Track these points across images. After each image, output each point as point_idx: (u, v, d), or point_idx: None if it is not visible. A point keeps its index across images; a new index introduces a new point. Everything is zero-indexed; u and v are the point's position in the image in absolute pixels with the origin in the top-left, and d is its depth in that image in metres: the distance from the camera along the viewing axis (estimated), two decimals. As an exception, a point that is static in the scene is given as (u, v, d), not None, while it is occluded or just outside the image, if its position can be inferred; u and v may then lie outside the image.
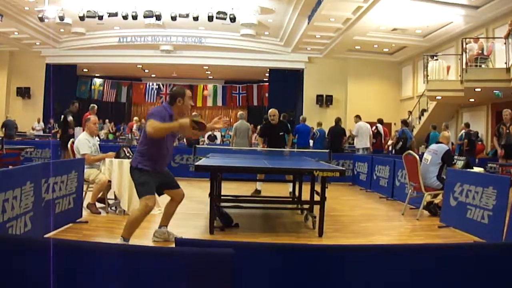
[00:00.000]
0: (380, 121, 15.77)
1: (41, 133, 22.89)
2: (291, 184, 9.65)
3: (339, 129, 15.35)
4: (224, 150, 12.14)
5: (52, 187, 5.64)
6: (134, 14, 19.40)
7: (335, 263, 2.46)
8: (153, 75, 31.84)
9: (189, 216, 7.68)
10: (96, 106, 14.25)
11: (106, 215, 7.45)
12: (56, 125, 12.33)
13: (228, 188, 9.37)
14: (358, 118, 15.64)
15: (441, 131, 15.07)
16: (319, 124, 16.69)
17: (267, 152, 10.43)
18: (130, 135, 19.53)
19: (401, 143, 15.43)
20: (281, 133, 10.76)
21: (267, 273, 2.41)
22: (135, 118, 22.73)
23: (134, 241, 5.75)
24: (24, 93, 25.04)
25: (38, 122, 23.82)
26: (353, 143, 19.66)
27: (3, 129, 19.38)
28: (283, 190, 10.13)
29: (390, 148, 18.44)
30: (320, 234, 6.38)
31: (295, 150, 12.03)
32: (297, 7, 18.53)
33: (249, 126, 12.49)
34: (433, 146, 8.49)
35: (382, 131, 15.63)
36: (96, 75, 30.99)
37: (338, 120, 15.40)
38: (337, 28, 19.78)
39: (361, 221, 7.99)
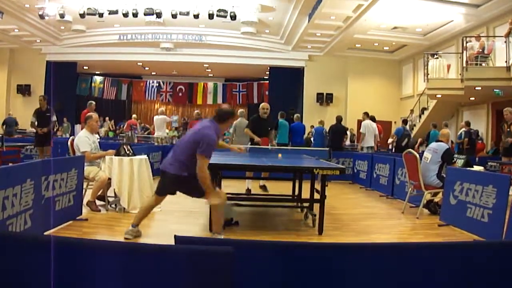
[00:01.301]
0: (373, 118, 15.69)
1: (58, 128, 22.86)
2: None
3: (340, 128, 15.33)
4: (224, 149, 12.11)
5: (52, 185, 5.64)
6: (134, 11, 19.39)
7: (334, 261, 2.46)
8: (153, 73, 31.84)
9: (189, 213, 7.69)
10: (94, 103, 14.23)
11: (106, 212, 7.44)
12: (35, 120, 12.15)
13: (228, 186, 9.37)
14: (366, 115, 15.53)
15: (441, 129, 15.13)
16: (321, 122, 16.69)
17: (265, 150, 10.41)
18: (130, 133, 19.53)
19: (406, 140, 15.44)
20: (269, 129, 10.73)
21: (267, 271, 2.41)
22: (134, 115, 22.71)
23: (134, 239, 5.76)
24: (24, 90, 25.03)
25: None
26: (353, 142, 19.71)
27: (3, 126, 19.40)
28: (283, 188, 10.13)
29: (390, 146, 18.47)
30: (320, 232, 6.39)
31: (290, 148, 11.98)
32: (298, 5, 18.52)
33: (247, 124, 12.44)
34: (433, 145, 8.49)
35: (376, 129, 15.57)
36: (97, 72, 31.00)
37: (339, 119, 15.37)
38: (338, 26, 19.76)
39: (361, 219, 7.99)
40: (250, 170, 8.51)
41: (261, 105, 10.89)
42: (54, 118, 12.10)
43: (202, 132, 5.37)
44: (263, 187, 10.36)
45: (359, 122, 17.50)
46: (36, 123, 12.04)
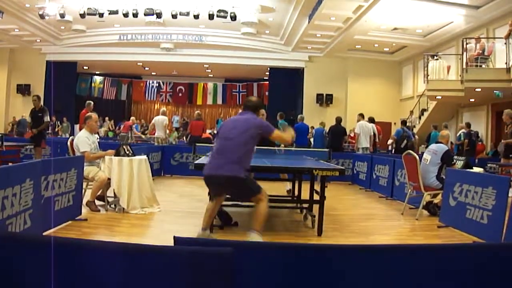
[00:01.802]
0: (372, 119, 15.71)
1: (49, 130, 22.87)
2: (288, 183, 9.72)
3: (339, 129, 15.33)
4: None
5: (52, 185, 5.64)
6: (134, 11, 19.40)
7: (334, 263, 2.46)
8: (153, 73, 31.86)
9: (189, 214, 7.69)
10: (92, 103, 14.24)
11: (106, 212, 7.44)
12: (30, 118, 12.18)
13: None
14: (361, 116, 15.56)
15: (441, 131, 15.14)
16: (322, 123, 16.69)
17: (265, 151, 10.42)
18: (129, 133, 19.54)
19: (405, 141, 15.43)
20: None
21: (267, 272, 2.41)
22: (132, 118, 22.71)
23: (134, 239, 5.76)
24: (24, 90, 25.03)
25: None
26: (345, 142, 19.69)
27: (16, 126, 19.60)
28: (282, 189, 10.14)
29: (390, 147, 18.46)
30: (319, 233, 6.39)
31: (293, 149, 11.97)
32: (298, 6, 18.51)
33: None
34: (433, 146, 8.48)
35: (375, 130, 15.58)
36: (96, 72, 31.01)
37: (339, 120, 15.37)
38: (338, 27, 19.75)
39: (360, 220, 7.99)
40: (250, 171, 8.50)
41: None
42: (47, 118, 12.00)
43: (254, 120, 5.39)
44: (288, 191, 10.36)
45: (358, 123, 17.51)
46: (31, 123, 12.17)
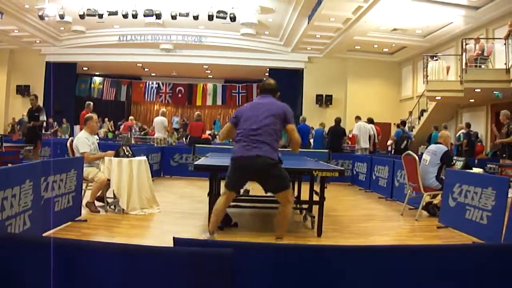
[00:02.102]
0: (371, 120, 15.74)
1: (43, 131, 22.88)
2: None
3: (339, 129, 15.34)
4: (223, 150, 12.15)
5: (51, 186, 5.64)
6: (134, 12, 19.40)
7: (333, 263, 2.46)
8: (153, 74, 31.85)
9: (188, 215, 7.69)
10: (92, 104, 14.25)
11: (105, 213, 7.44)
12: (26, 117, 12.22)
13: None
14: (358, 119, 15.63)
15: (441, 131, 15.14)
16: (322, 124, 16.70)
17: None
18: (128, 134, 19.54)
19: (405, 142, 15.45)
20: None
21: (266, 272, 2.41)
22: (131, 117, 22.70)
23: (133, 240, 5.76)
24: (24, 91, 25.03)
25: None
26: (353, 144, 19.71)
27: (18, 126, 19.62)
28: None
29: (389, 148, 18.47)
30: (319, 234, 6.39)
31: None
32: (297, 7, 18.52)
33: None
34: (432, 147, 8.48)
35: (374, 131, 15.60)
36: (96, 73, 30.99)
37: (338, 120, 15.39)
38: (337, 28, 19.77)
39: (360, 221, 7.99)
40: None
41: None
42: (42, 117, 12.06)
43: (279, 104, 5.30)
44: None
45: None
46: (28, 122, 12.29)
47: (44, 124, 19.29)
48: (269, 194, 8.94)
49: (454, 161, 8.45)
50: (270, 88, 5.58)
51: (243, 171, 5.13)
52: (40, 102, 24.21)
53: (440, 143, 8.41)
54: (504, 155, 11.78)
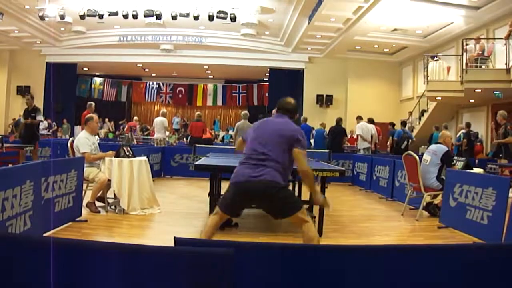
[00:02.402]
0: (371, 120, 15.75)
1: (45, 132, 22.87)
2: None
3: (339, 129, 15.33)
4: (224, 150, 12.16)
5: (52, 186, 5.64)
6: (134, 13, 19.39)
7: (334, 263, 2.46)
8: (153, 74, 31.87)
9: (189, 215, 7.69)
10: (93, 104, 14.24)
11: (106, 214, 7.44)
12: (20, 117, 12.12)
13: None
14: (359, 119, 15.63)
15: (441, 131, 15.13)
16: (322, 124, 16.70)
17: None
18: (129, 134, 19.52)
19: (406, 142, 15.45)
20: None
21: (267, 272, 2.41)
22: (135, 118, 22.70)
23: (134, 240, 5.76)
24: (24, 91, 24.94)
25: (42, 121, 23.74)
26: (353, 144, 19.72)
27: (15, 127, 19.58)
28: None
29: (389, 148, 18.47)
30: (320, 234, 6.38)
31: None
32: (298, 7, 18.52)
33: (250, 126, 12.41)
34: (432, 147, 8.48)
35: (375, 131, 15.61)
36: (96, 74, 31.01)
37: (339, 120, 15.39)
38: (338, 28, 19.77)
39: (361, 221, 7.99)
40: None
41: (272, 112, 10.97)
42: (39, 117, 12.02)
43: (292, 127, 4.57)
44: None
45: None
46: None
47: (42, 125, 19.27)
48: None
49: (454, 161, 8.44)
50: (288, 108, 4.85)
51: (242, 196, 4.46)
52: (41, 103, 24.49)
53: (440, 143, 8.41)
54: (500, 155, 11.85)
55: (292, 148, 4.44)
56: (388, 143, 18.64)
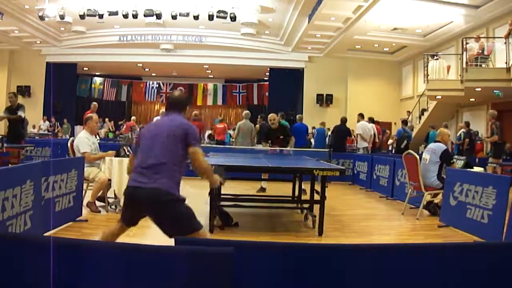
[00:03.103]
0: (371, 119, 15.74)
1: (46, 132, 22.88)
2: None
3: (343, 129, 15.28)
4: (224, 149, 12.15)
5: (52, 186, 5.64)
6: (134, 12, 19.39)
7: (334, 262, 2.46)
8: (153, 74, 31.86)
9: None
10: (96, 104, 14.23)
11: (106, 213, 7.45)
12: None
13: (228, 187, 9.36)
14: (360, 117, 15.56)
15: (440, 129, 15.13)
16: (322, 123, 16.67)
17: (266, 152, 10.49)
18: (130, 134, 19.50)
19: (405, 141, 15.44)
20: (280, 136, 10.80)
21: (267, 272, 2.41)
22: (133, 117, 22.67)
23: (134, 239, 5.75)
24: (24, 91, 24.98)
25: (44, 121, 23.74)
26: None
27: None
28: (283, 189, 10.14)
29: (390, 147, 18.45)
30: (320, 233, 6.39)
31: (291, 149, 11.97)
32: (298, 6, 18.51)
33: (253, 126, 12.41)
34: (431, 145, 8.47)
35: (375, 130, 15.59)
36: (96, 73, 31.00)
37: (344, 120, 15.30)
38: (338, 27, 19.76)
39: (361, 220, 8.00)
40: (251, 172, 8.49)
41: (269, 116, 11.02)
42: (21, 113, 11.53)
43: (182, 123, 4.08)
44: (262, 190, 10.55)
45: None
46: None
47: (43, 125, 19.15)
48: (271, 193, 8.92)
49: (454, 159, 8.42)
50: (171, 103, 4.33)
51: (132, 206, 4.14)
52: (41, 103, 24.49)
53: (439, 141, 8.40)
54: (489, 154, 11.96)
55: (185, 146, 4.08)
56: (388, 142, 18.66)
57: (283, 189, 9.90)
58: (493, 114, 12.53)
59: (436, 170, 8.04)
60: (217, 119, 23.41)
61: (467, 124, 15.23)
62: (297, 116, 15.43)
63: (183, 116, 4.26)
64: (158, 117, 16.59)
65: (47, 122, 23.78)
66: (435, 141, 8.54)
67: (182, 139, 4.02)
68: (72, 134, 22.09)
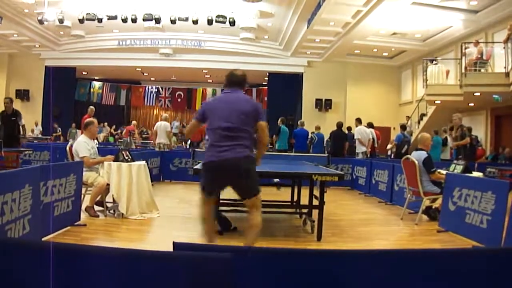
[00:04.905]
0: (371, 124, 15.75)
1: (40, 136, 22.86)
2: None
3: (341, 134, 15.30)
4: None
5: (51, 190, 5.63)
6: (133, 17, 19.44)
7: (333, 268, 2.45)
8: (152, 78, 31.87)
9: (188, 220, 7.67)
10: (94, 108, 14.22)
11: (105, 218, 7.44)
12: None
13: (227, 192, 9.35)
14: (358, 122, 15.61)
15: (441, 135, 15.15)
16: (317, 128, 16.67)
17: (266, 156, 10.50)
18: (129, 139, 19.48)
19: (406, 146, 15.44)
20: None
21: (266, 277, 2.40)
22: (134, 122, 22.65)
23: (133, 244, 5.75)
24: (23, 95, 25.02)
25: (36, 125, 23.74)
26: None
27: None
28: (281, 194, 10.14)
29: (389, 152, 18.45)
30: (319, 238, 6.38)
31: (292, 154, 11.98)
32: (297, 11, 18.55)
33: None
34: (414, 154, 8.36)
35: (374, 135, 15.61)
36: (95, 78, 31.00)
37: (340, 125, 15.36)
38: (337, 32, 19.80)
39: (360, 225, 7.98)
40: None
41: None
42: (21, 122, 11.28)
43: (253, 101, 4.93)
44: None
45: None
46: (1, 127, 11.20)
47: (36, 130, 18.99)
48: (270, 198, 8.96)
49: (434, 167, 8.27)
50: (236, 80, 4.95)
51: (215, 175, 4.72)
52: (40, 107, 24.48)
53: (421, 149, 8.35)
54: (460, 157, 11.89)
55: (255, 122, 4.71)
56: (387, 147, 18.67)
57: (283, 194, 9.90)
58: (459, 116, 12.62)
59: (428, 177, 8.01)
60: None
61: (469, 130, 15.23)
62: (299, 121, 15.46)
63: (243, 93, 4.97)
64: (161, 122, 16.47)
65: (39, 126, 23.77)
66: (417, 149, 8.49)
67: (254, 115, 4.68)
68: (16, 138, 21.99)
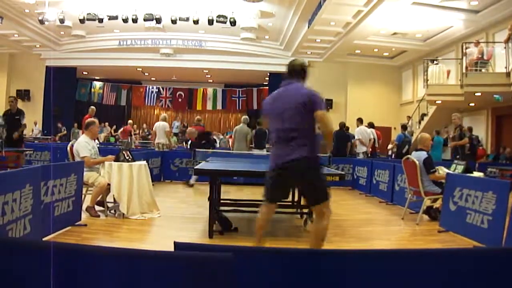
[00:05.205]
0: (371, 124, 15.73)
1: (39, 135, 22.87)
2: None
3: (343, 134, 15.29)
4: (224, 154, 12.15)
5: (52, 190, 5.63)
6: (134, 17, 19.44)
7: (334, 268, 2.45)
8: (153, 78, 31.87)
9: (188, 219, 7.68)
10: (94, 108, 14.22)
11: (105, 218, 7.44)
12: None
13: (228, 192, 9.38)
14: (359, 122, 15.59)
15: (443, 135, 15.14)
16: (317, 128, 16.63)
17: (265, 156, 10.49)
18: (129, 139, 19.48)
19: (407, 147, 15.43)
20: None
21: (267, 277, 2.40)
22: (130, 121, 22.60)
23: (133, 244, 5.75)
24: (24, 95, 25.01)
25: (35, 124, 23.74)
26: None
27: None
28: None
29: (390, 152, 18.43)
30: (320, 238, 6.37)
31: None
32: (297, 11, 18.55)
33: (249, 130, 12.43)
34: (414, 154, 8.37)
35: (375, 135, 15.60)
36: (96, 78, 31.01)
37: (342, 125, 15.34)
38: (337, 32, 19.80)
39: (361, 225, 7.98)
40: (249, 176, 8.48)
41: (258, 120, 11.14)
42: (24, 121, 11.28)
43: (306, 91, 4.54)
44: None
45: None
46: (5, 126, 11.13)
47: (35, 129, 18.93)
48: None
49: (434, 168, 8.26)
50: (293, 70, 4.78)
51: (280, 180, 4.59)
52: (40, 107, 24.49)
53: (421, 149, 8.34)
54: (457, 157, 11.89)
55: (312, 112, 4.42)
56: (388, 147, 18.64)
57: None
58: (458, 116, 12.68)
59: (428, 177, 8.00)
60: (230, 132, 23.51)
61: (470, 130, 15.23)
62: None
63: (303, 84, 4.71)
64: (160, 123, 16.49)
65: (38, 126, 23.78)
66: (417, 149, 8.49)
67: (309, 106, 4.40)
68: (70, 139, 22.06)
